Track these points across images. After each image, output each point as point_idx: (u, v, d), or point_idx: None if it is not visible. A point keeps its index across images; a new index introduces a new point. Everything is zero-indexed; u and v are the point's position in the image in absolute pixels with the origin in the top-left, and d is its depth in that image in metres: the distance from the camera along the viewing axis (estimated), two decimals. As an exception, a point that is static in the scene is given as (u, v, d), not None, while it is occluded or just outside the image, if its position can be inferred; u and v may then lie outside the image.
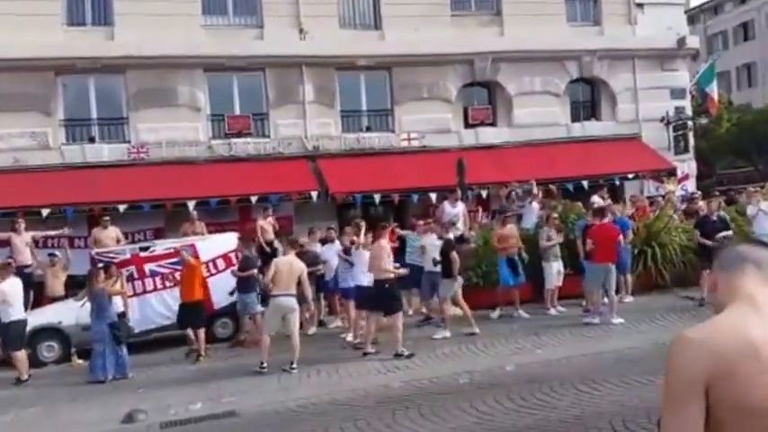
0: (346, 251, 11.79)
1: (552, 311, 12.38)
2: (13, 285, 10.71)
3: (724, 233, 11.95)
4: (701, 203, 14.91)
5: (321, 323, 13.20)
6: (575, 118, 20.24)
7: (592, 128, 20.13)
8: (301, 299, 10.54)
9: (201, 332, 11.33)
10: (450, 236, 11.80)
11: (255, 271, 12.15)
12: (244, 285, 11.96)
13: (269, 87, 17.98)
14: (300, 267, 10.21)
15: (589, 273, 11.70)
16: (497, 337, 10.75)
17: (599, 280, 11.39)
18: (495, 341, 10.48)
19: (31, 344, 11.27)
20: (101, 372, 10.24)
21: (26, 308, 12.31)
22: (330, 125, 18.28)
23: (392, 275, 10.31)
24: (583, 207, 14.14)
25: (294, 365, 9.71)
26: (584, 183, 17.69)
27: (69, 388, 10.15)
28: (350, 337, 11.53)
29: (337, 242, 12.88)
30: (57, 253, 13.84)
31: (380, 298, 10.26)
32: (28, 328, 11.03)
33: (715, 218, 12.46)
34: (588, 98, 20.78)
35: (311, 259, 12.30)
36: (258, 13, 18.02)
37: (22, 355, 10.63)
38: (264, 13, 17.93)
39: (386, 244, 10.61)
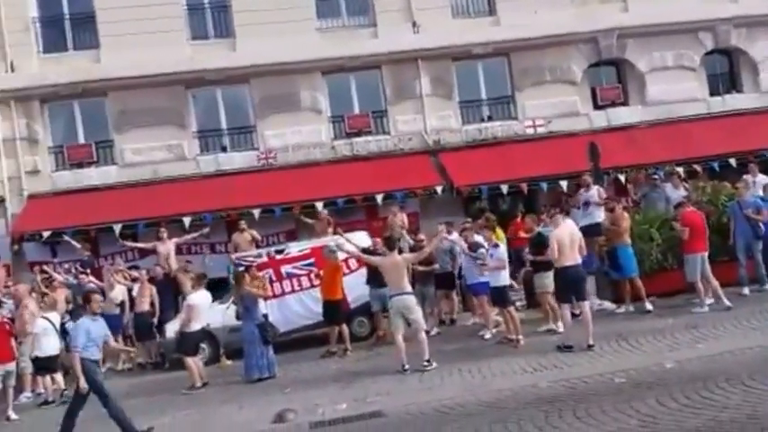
0: (472, 247, 11.42)
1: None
2: (203, 298, 11.20)
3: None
4: None
5: (453, 321, 13.02)
6: (714, 92, 18.96)
7: (733, 101, 18.77)
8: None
9: (344, 328, 11.65)
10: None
11: None
12: (376, 280, 11.89)
13: (386, 84, 18.01)
14: (406, 261, 10.24)
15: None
16: (650, 332, 10.04)
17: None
18: (648, 337, 9.80)
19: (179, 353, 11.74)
20: (255, 371, 10.55)
21: (175, 313, 13.00)
22: (450, 117, 18.05)
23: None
24: (732, 187, 13.02)
25: (428, 362, 9.61)
26: (731, 160, 16.47)
27: (220, 389, 10.55)
28: (488, 335, 11.28)
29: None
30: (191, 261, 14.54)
31: (577, 284, 9.88)
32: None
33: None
34: (726, 69, 19.38)
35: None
36: (371, 11, 18.05)
37: (192, 362, 10.91)
38: (377, 11, 17.93)
39: (571, 224, 10.19)
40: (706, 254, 11.34)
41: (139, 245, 15.27)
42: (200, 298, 11.16)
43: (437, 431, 6.98)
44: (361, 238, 12.93)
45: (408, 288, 9.96)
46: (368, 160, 17.39)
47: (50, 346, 11.24)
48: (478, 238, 11.60)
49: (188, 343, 11.02)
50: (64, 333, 11.38)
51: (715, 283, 11.23)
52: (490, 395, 8.04)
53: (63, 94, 16.99)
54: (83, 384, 8.21)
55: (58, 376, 11.35)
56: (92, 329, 8.46)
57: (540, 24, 17.68)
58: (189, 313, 10.94)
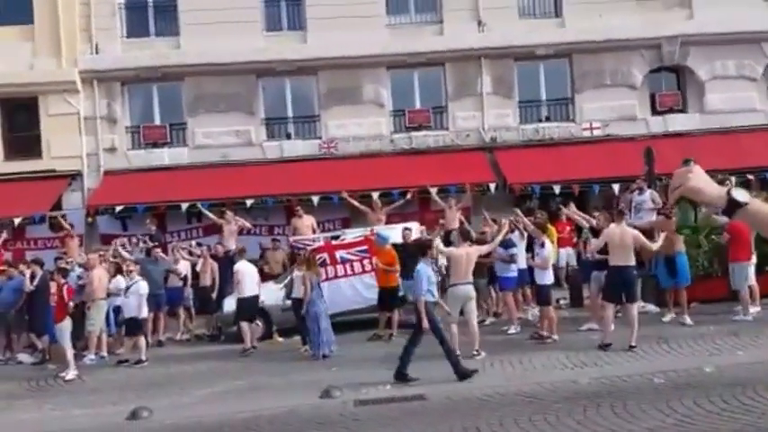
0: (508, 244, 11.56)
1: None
2: (242, 266, 12.28)
3: None
4: None
5: (496, 314, 13.13)
6: (774, 103, 18.65)
7: (794, 114, 18.43)
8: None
9: (395, 315, 12.13)
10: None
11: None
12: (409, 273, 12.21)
13: (448, 81, 18.39)
14: (478, 252, 10.47)
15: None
16: (691, 337, 10.22)
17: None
18: (689, 341, 9.98)
19: (237, 320, 12.50)
20: (325, 347, 11.04)
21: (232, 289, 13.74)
22: (508, 116, 18.34)
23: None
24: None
25: (477, 352, 9.94)
26: (787, 173, 16.25)
27: (271, 364, 11.06)
28: (512, 330, 11.55)
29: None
30: (279, 239, 15.64)
31: (626, 285, 10.09)
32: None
33: None
34: (790, 82, 19.02)
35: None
36: (438, 9, 18.43)
37: (246, 327, 11.98)
38: (444, 9, 18.31)
39: (629, 228, 10.30)
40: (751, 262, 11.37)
41: (212, 216, 15.88)
42: (242, 266, 12.20)
43: (477, 417, 7.17)
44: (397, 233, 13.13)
45: (471, 279, 10.31)
46: (425, 154, 17.86)
47: (144, 309, 12.11)
48: (514, 236, 11.81)
49: (242, 309, 12.07)
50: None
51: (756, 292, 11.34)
52: (530, 387, 8.24)
53: (143, 76, 17.91)
54: (425, 325, 9.03)
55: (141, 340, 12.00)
56: (431, 276, 9.41)
57: (605, 28, 17.77)
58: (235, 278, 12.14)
